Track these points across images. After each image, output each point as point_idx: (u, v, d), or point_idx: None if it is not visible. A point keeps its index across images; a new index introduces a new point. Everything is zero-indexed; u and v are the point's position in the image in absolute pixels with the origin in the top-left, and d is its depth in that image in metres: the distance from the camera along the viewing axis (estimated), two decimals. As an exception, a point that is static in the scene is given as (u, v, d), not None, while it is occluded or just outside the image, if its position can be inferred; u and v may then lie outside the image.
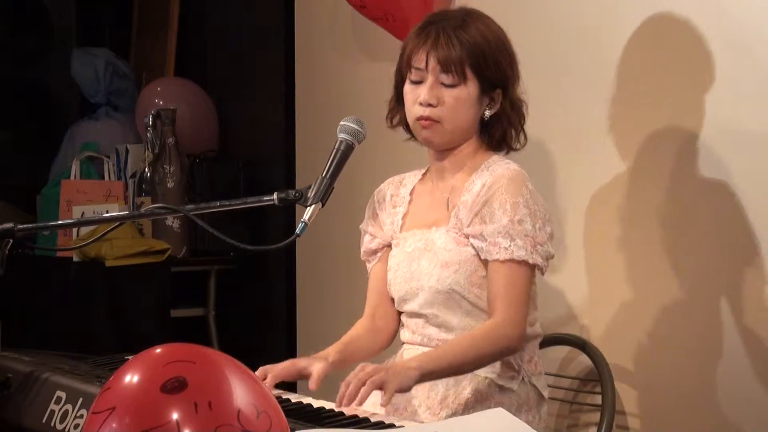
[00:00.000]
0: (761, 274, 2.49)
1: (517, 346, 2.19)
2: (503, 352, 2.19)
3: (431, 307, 2.26)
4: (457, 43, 2.21)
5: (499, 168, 2.24)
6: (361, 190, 3.24)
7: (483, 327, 2.18)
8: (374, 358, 2.41)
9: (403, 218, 2.36)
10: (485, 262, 2.21)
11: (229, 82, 4.54)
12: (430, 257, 2.25)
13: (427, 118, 2.23)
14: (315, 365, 2.16)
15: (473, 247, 2.21)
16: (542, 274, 2.24)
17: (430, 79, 2.22)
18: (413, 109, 2.25)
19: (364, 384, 1.96)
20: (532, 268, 2.19)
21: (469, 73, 2.21)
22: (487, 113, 2.26)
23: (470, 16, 2.28)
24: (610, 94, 2.78)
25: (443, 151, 2.30)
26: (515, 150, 2.32)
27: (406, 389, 2.04)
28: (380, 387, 1.98)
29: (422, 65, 2.23)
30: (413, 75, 2.25)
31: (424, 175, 2.39)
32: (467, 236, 2.22)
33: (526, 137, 2.32)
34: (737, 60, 2.52)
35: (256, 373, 2.13)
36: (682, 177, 2.64)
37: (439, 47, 2.21)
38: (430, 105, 2.22)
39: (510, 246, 2.16)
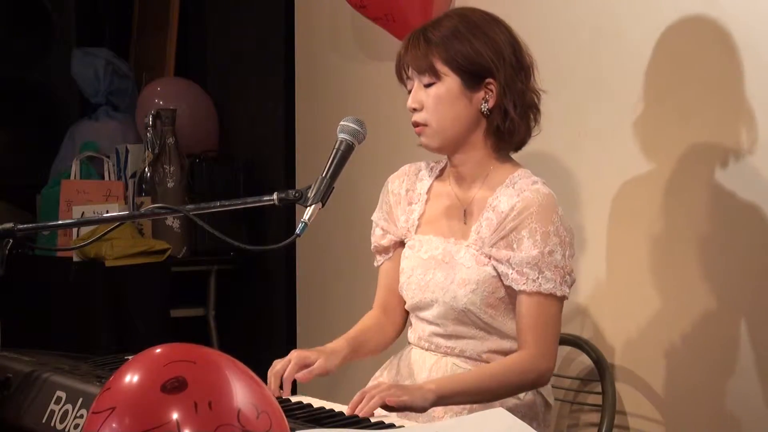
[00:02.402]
0: (760, 275, 2.49)
1: (547, 380, 2.18)
2: (531, 385, 2.18)
3: (444, 319, 2.24)
4: (425, 43, 2.20)
5: (527, 189, 2.18)
6: (361, 190, 3.24)
7: (512, 358, 2.15)
8: (377, 356, 2.41)
9: (419, 218, 2.32)
10: (507, 287, 2.18)
11: (229, 82, 4.54)
12: (447, 270, 2.22)
13: (416, 124, 2.23)
14: (319, 362, 2.16)
15: (494, 269, 2.19)
16: (565, 298, 2.20)
17: (415, 85, 2.22)
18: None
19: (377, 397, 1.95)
20: (561, 299, 2.17)
21: (443, 68, 2.18)
22: (485, 107, 2.20)
23: (450, 13, 2.27)
24: (613, 93, 2.78)
25: (453, 156, 2.26)
26: (525, 143, 2.27)
27: (419, 409, 2.01)
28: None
29: (406, 74, 2.24)
30: (407, 86, 2.26)
31: (441, 171, 2.34)
32: (489, 257, 2.19)
33: (532, 127, 2.24)
34: (742, 60, 2.51)
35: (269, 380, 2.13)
36: (685, 178, 2.64)
37: (411, 51, 2.21)
38: (415, 110, 2.22)
39: (538, 278, 2.13)
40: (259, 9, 4.28)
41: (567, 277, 2.16)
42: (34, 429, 1.88)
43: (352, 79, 3.65)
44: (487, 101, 2.20)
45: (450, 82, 2.19)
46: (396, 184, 2.38)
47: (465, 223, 2.25)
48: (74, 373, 1.98)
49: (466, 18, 2.22)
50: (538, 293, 2.13)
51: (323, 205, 1.97)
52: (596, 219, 2.83)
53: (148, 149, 4.10)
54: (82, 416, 1.79)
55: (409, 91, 2.24)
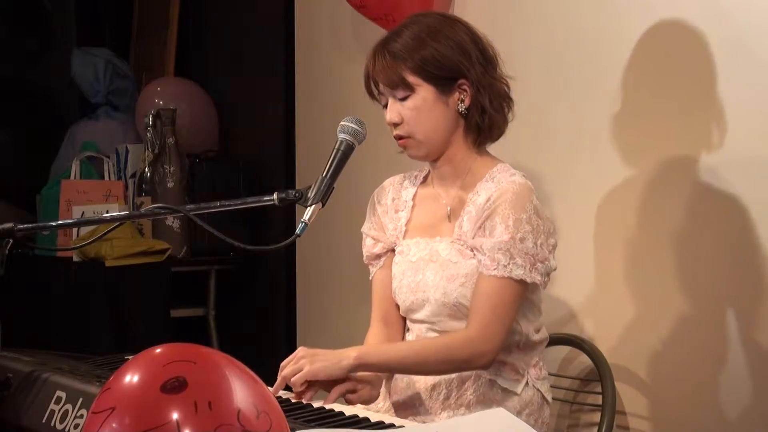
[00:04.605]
0: (760, 276, 2.49)
1: (487, 362, 2.16)
2: (464, 363, 2.16)
3: (438, 317, 2.25)
4: (390, 57, 2.22)
5: (504, 180, 2.21)
6: (361, 190, 3.24)
7: (452, 336, 2.17)
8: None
9: (406, 224, 2.34)
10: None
11: (229, 82, 4.54)
12: (435, 269, 2.24)
13: (399, 137, 2.25)
14: (363, 393, 2.12)
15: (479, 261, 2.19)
16: (542, 288, 2.23)
17: (389, 100, 2.25)
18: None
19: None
20: (526, 285, 2.17)
21: (414, 80, 2.20)
22: (462, 107, 2.22)
23: (407, 22, 2.28)
24: (612, 95, 2.78)
25: (436, 159, 2.28)
26: (502, 134, 2.29)
27: (338, 375, 2.04)
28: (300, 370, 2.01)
29: (377, 89, 2.26)
30: (381, 101, 2.28)
31: (425, 177, 2.37)
32: (472, 249, 2.20)
33: (508, 116, 2.27)
34: (739, 62, 2.52)
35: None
36: (685, 180, 2.64)
37: (377, 68, 2.24)
38: (395, 124, 2.24)
39: (509, 264, 2.13)
40: (259, 9, 4.28)
41: (539, 264, 2.16)
42: (34, 429, 1.88)
43: (352, 79, 3.64)
44: (462, 101, 2.22)
45: (424, 91, 2.21)
46: (381, 196, 2.41)
47: (450, 221, 2.27)
48: (74, 373, 1.98)
49: (424, 23, 2.24)
50: (509, 278, 2.14)
51: (323, 205, 1.98)
52: (596, 219, 2.83)
53: (148, 149, 4.11)
54: (82, 416, 1.79)
55: (384, 105, 2.26)
